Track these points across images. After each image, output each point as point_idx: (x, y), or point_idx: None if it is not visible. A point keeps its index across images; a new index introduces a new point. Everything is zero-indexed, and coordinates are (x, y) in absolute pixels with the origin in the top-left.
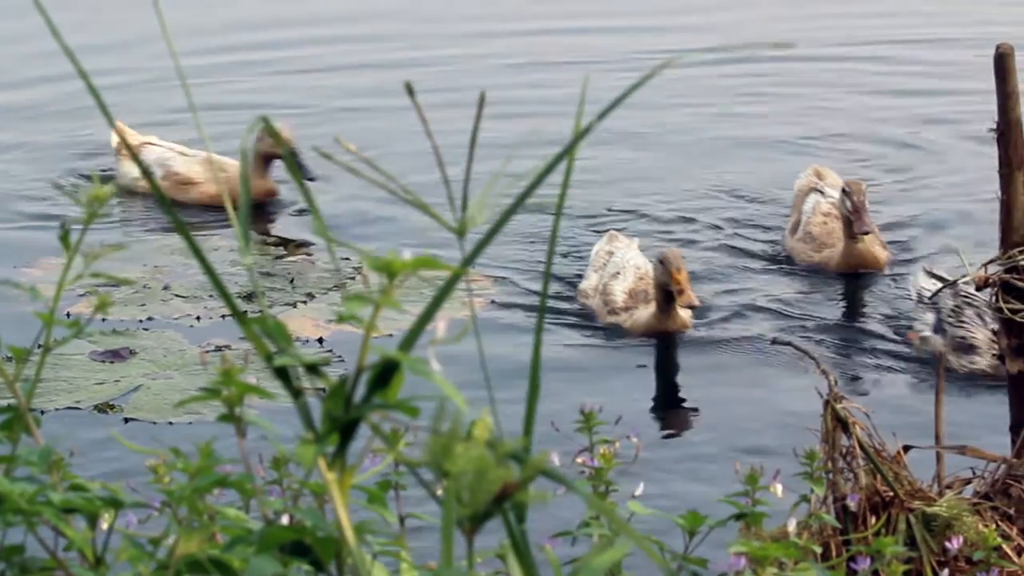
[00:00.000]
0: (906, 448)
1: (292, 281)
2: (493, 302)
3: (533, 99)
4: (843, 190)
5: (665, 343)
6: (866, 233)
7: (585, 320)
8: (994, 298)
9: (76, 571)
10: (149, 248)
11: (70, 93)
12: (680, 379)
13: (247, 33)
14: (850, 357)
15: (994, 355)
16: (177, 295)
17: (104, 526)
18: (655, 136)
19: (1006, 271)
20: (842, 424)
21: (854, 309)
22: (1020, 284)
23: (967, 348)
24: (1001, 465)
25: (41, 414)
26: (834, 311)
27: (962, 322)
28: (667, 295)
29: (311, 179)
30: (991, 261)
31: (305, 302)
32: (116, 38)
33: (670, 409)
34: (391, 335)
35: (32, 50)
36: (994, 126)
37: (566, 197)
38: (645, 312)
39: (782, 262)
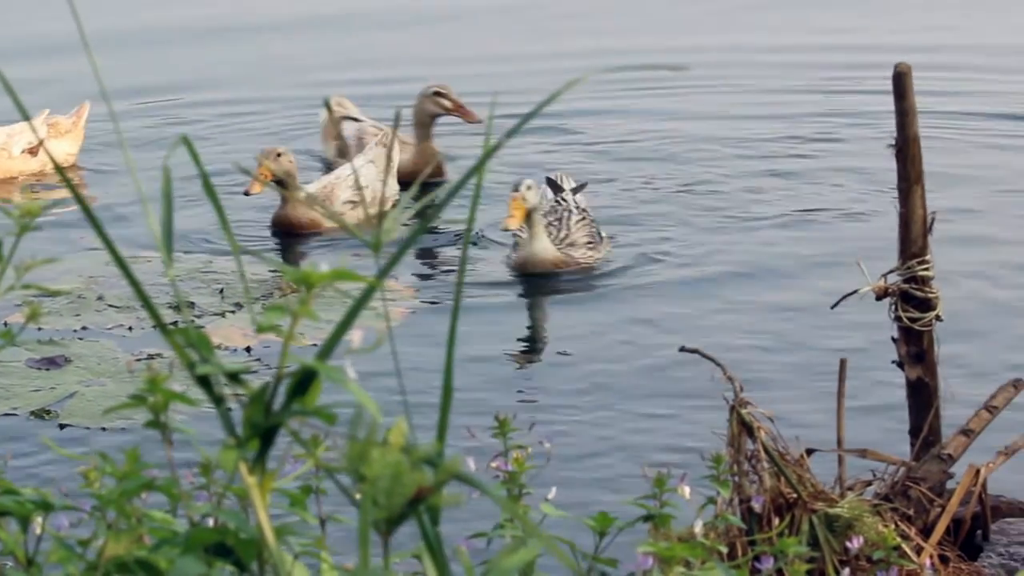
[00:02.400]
0: (809, 451)
1: (222, 291)
2: (414, 312)
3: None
4: (435, 92)
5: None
6: (479, 121)
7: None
8: (893, 307)
9: (9, 572)
10: (84, 259)
11: None
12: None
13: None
14: (755, 363)
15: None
16: (111, 305)
17: (36, 529)
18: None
19: (905, 281)
20: (747, 428)
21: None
22: (918, 294)
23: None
24: (900, 468)
25: None
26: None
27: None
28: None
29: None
30: (890, 272)
31: (234, 312)
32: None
33: (582, 417)
34: (315, 344)
35: None
36: (893, 142)
37: (476, 214)
38: None
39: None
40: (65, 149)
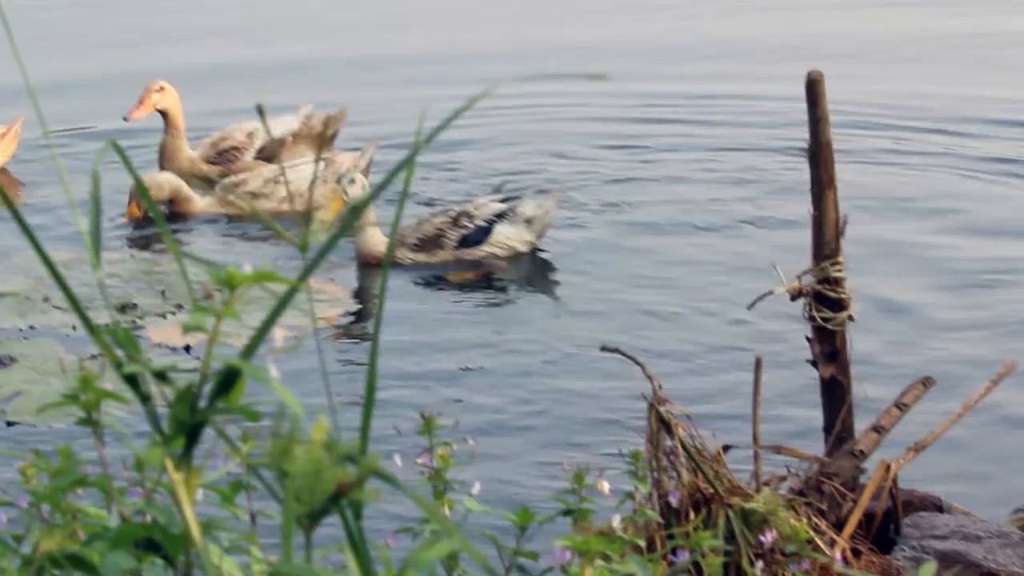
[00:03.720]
0: (726, 448)
1: (164, 292)
2: (349, 312)
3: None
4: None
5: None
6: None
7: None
8: (807, 307)
9: None
10: (31, 260)
11: None
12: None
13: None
14: (674, 362)
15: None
16: (56, 306)
17: None
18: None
19: (818, 282)
20: (665, 425)
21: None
22: (831, 294)
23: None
24: (814, 464)
25: None
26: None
27: None
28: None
29: None
30: (804, 273)
31: (174, 312)
32: None
33: (506, 415)
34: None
35: None
36: (806, 147)
37: (403, 212)
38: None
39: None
40: None
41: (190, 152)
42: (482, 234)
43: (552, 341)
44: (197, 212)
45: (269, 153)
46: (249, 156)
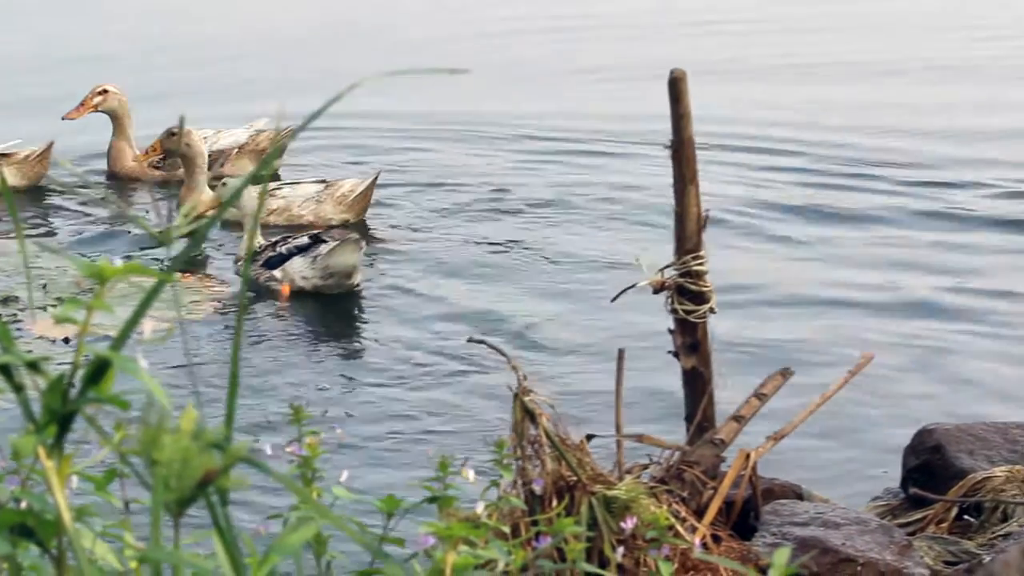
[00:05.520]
0: (589, 437)
1: (45, 286)
2: (224, 305)
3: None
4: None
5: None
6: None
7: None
8: (670, 300)
9: None
10: None
11: None
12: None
13: None
14: (539, 353)
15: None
16: None
17: None
18: None
19: (680, 275)
20: (529, 415)
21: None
22: (692, 287)
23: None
24: (675, 452)
25: None
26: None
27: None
28: None
29: None
30: (667, 267)
31: (55, 305)
32: None
33: (375, 405)
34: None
35: None
36: (669, 144)
37: (262, 210)
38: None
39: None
40: None
41: (136, 154)
42: (279, 260)
43: (420, 335)
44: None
45: (211, 162)
46: None
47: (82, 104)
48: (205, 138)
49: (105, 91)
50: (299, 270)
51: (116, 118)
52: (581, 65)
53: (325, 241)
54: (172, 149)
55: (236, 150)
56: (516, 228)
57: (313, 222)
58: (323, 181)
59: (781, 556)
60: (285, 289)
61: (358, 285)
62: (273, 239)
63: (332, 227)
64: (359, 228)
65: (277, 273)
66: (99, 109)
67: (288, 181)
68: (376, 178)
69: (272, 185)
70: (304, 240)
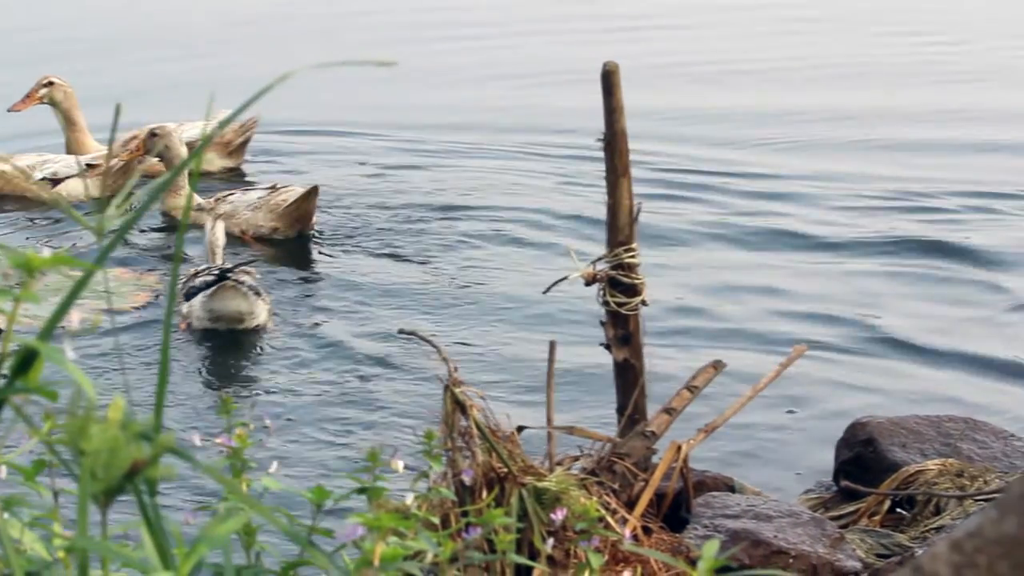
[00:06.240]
0: (520, 428)
1: None
2: (158, 296)
3: None
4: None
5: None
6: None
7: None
8: (602, 292)
9: None
10: None
11: None
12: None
13: None
14: (471, 345)
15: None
16: None
17: None
18: None
19: (612, 268)
20: (460, 406)
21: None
22: (624, 280)
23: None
24: (606, 444)
25: None
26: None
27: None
28: None
29: None
30: (599, 259)
31: None
32: None
33: (305, 395)
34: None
35: None
36: (602, 136)
37: (191, 204)
38: None
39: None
40: None
41: (96, 145)
42: (193, 293)
43: (352, 326)
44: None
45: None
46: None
47: (28, 96)
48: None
49: (51, 82)
50: (196, 309)
51: (63, 110)
52: (502, 68)
53: (217, 285)
54: (154, 150)
55: (198, 143)
56: (441, 218)
57: (244, 231)
58: (272, 187)
59: (710, 548)
60: (182, 325)
61: (260, 326)
62: (198, 268)
63: (240, 264)
64: (292, 243)
65: (183, 308)
66: (44, 101)
67: (242, 186)
68: (312, 191)
69: (224, 192)
70: (211, 277)
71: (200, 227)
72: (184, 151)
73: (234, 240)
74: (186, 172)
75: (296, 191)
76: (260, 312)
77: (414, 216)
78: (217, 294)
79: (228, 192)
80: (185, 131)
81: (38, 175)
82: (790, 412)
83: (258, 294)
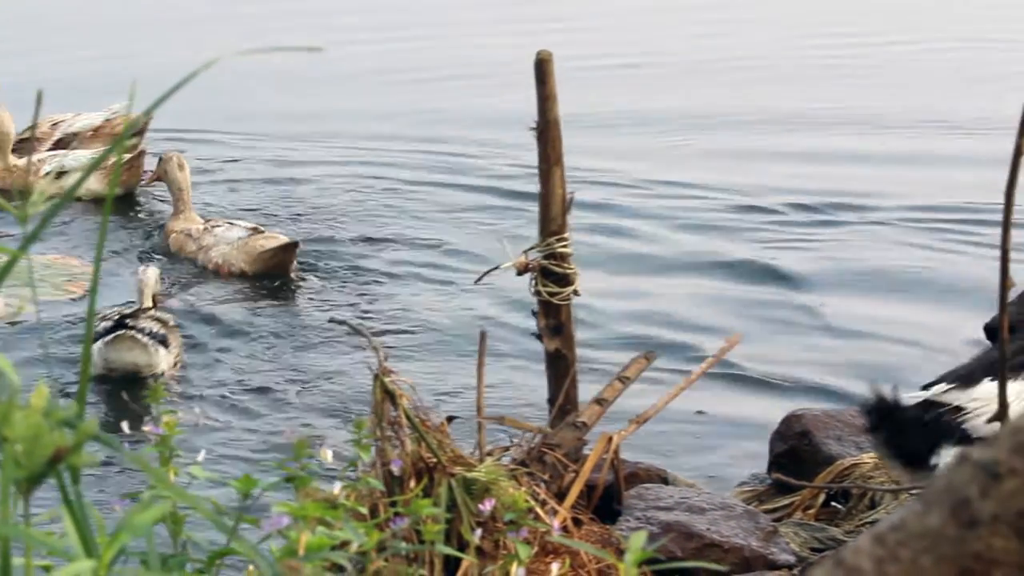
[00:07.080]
0: (450, 419)
1: None
2: (87, 286)
3: None
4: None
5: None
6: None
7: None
8: (534, 282)
9: None
10: None
11: None
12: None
13: None
14: (402, 334)
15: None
16: None
17: None
18: None
19: (544, 257)
20: (390, 396)
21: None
22: (556, 269)
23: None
24: (537, 435)
25: None
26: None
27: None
28: None
29: None
30: (531, 248)
31: None
32: None
33: (234, 384)
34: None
35: None
36: (535, 125)
37: (114, 192)
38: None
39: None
40: None
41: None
42: (101, 334)
43: (282, 316)
44: None
45: (64, 145)
46: (46, 145)
47: None
48: (63, 120)
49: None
50: (93, 355)
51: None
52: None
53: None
54: (161, 176)
55: (91, 133)
56: (373, 213)
57: (220, 265)
58: (255, 229)
59: (637, 540)
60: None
61: (161, 374)
62: (106, 311)
63: (149, 308)
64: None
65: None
66: None
67: (231, 220)
68: (291, 245)
69: (212, 221)
70: (110, 323)
71: (189, 256)
72: (180, 176)
73: (209, 274)
74: (183, 200)
75: (277, 240)
76: (159, 362)
77: (336, 223)
78: (113, 343)
79: (216, 224)
80: (78, 121)
81: (46, 168)
82: (724, 403)
83: (163, 342)
